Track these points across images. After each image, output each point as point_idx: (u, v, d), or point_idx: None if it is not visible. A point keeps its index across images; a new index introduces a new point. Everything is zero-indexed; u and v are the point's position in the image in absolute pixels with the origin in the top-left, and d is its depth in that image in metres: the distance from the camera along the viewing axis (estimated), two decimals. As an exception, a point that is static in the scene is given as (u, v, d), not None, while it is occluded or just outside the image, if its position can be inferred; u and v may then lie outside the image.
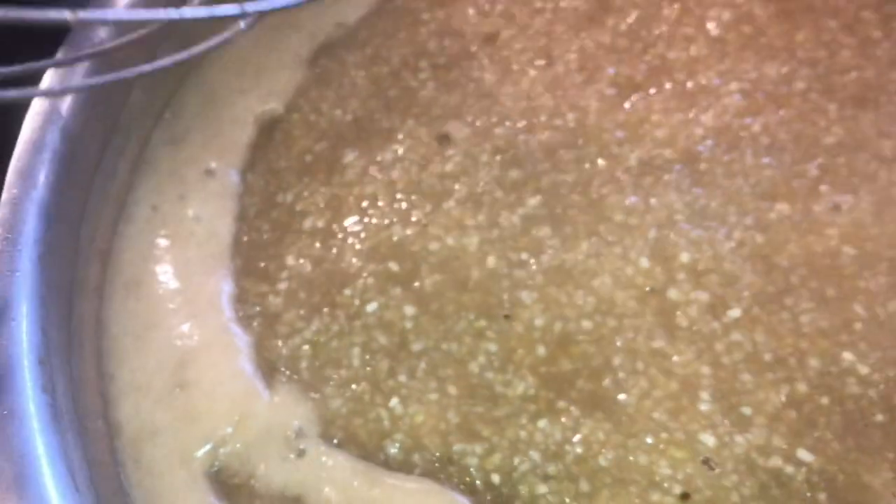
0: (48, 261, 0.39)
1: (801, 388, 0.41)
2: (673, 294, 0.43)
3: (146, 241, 0.46)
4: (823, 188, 0.47)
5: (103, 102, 0.45)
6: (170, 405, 0.42)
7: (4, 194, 0.39)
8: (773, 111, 0.49)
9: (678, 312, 0.42)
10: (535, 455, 0.39)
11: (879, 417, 0.41)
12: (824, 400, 0.41)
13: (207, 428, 0.41)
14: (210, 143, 0.49)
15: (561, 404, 0.40)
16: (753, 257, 0.44)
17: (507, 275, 0.43)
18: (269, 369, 0.42)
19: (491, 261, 0.44)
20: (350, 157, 0.48)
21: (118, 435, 0.41)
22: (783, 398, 0.41)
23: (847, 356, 0.42)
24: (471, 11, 0.54)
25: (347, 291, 0.44)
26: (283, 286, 0.44)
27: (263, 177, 0.48)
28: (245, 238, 0.46)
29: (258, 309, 0.44)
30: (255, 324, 0.43)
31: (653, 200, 0.46)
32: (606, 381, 0.40)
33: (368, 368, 0.41)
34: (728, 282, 0.44)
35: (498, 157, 0.48)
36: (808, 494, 0.39)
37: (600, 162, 0.47)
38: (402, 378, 0.41)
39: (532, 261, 0.44)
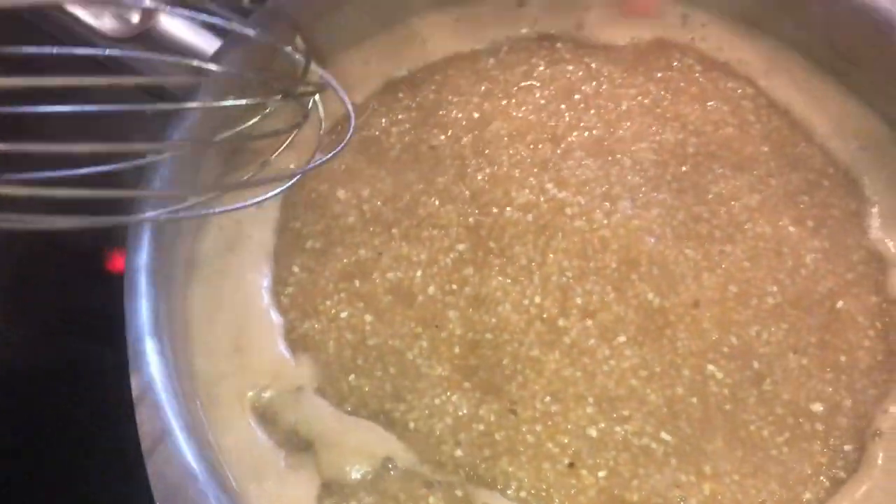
0: (155, 266, 0.54)
1: (679, 391, 0.54)
2: (561, 322, 0.57)
3: (215, 250, 0.61)
4: (717, 234, 0.60)
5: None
6: (230, 361, 0.55)
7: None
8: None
9: (564, 336, 0.57)
10: (448, 420, 0.53)
11: (727, 406, 0.54)
12: (693, 399, 0.54)
13: (254, 378, 0.55)
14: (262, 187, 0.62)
15: (466, 385, 0.55)
16: (639, 308, 0.58)
17: (441, 300, 0.59)
18: (291, 346, 0.57)
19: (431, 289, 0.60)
20: (340, 192, 0.64)
21: (195, 378, 0.54)
22: (662, 400, 0.53)
23: (710, 367, 0.56)
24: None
25: (328, 302, 0.59)
26: (290, 290, 0.58)
27: (286, 209, 0.63)
28: (276, 250, 0.62)
29: (278, 303, 0.59)
30: (280, 312, 0.58)
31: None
32: (497, 375, 0.56)
33: (338, 355, 0.55)
34: (616, 318, 0.57)
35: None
36: (663, 459, 0.52)
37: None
38: (360, 362, 0.55)
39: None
